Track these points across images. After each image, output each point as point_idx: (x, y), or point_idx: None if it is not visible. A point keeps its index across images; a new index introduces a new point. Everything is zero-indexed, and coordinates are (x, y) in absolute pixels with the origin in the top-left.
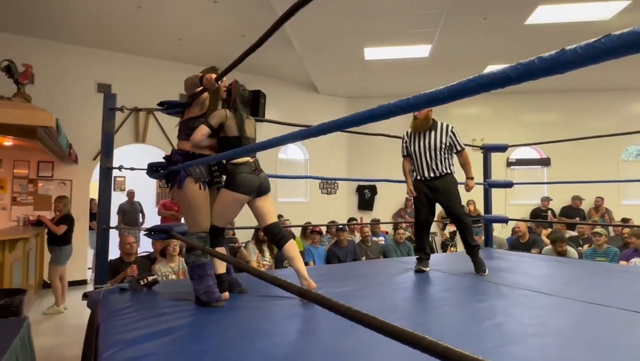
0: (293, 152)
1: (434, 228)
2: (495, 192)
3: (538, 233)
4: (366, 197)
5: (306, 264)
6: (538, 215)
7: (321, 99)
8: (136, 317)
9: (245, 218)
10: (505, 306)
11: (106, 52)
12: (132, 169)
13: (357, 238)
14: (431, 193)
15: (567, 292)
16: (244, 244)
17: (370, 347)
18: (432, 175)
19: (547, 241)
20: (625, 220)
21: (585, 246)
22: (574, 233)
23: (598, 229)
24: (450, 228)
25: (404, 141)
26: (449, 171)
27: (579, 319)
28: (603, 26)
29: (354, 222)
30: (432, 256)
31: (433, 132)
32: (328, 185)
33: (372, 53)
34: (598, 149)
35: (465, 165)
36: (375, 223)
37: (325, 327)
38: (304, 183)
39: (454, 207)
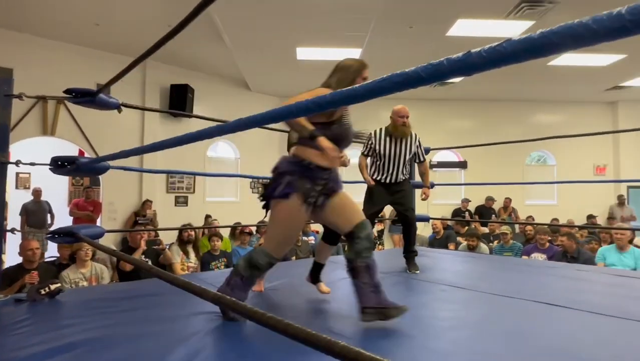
0: (223, 150)
1: None
2: (418, 192)
3: (457, 230)
4: None
5: (234, 265)
6: (458, 215)
7: (253, 97)
8: (33, 331)
9: (169, 219)
10: (427, 301)
11: (9, 32)
12: (32, 164)
13: None
14: (390, 196)
15: (479, 286)
16: (168, 246)
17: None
18: (396, 180)
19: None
20: (529, 218)
21: (495, 242)
22: (487, 230)
23: (504, 227)
24: (379, 226)
25: (371, 141)
26: (407, 177)
27: (490, 311)
28: None
29: None
30: None
31: (408, 140)
32: (259, 184)
33: (305, 53)
34: (507, 154)
35: (424, 174)
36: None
37: (242, 334)
38: (234, 182)
39: (409, 211)
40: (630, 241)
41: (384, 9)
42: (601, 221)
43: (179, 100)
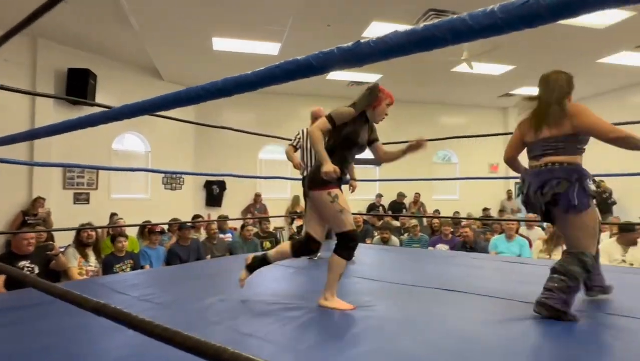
0: (131, 142)
1: (282, 222)
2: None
3: (372, 223)
4: (214, 193)
5: (142, 267)
6: (373, 209)
7: (166, 87)
8: None
9: (67, 219)
10: (340, 295)
11: None
12: None
13: (203, 235)
14: None
15: (390, 277)
16: (62, 249)
17: None
18: None
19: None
20: (435, 211)
21: (406, 235)
22: (398, 224)
23: (413, 221)
24: (298, 222)
25: (299, 137)
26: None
27: (397, 300)
28: None
29: (200, 219)
30: None
31: None
32: (172, 180)
33: (221, 44)
34: (419, 152)
35: (350, 170)
36: (263, 218)
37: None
38: (144, 178)
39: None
40: (516, 231)
41: (304, 6)
42: (494, 213)
43: (78, 86)
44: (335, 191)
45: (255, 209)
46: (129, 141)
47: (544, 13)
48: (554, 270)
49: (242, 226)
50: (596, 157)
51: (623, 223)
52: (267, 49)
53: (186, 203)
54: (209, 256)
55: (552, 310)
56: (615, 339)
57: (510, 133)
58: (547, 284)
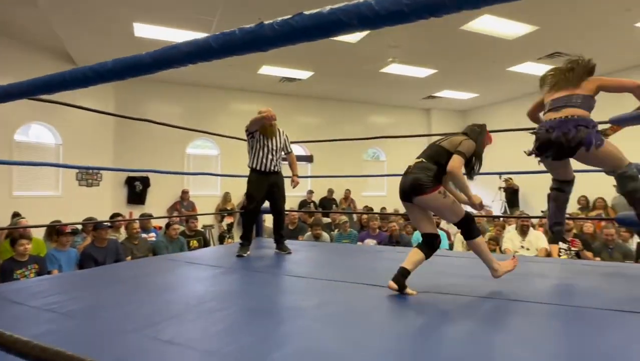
0: (38, 134)
1: (211, 220)
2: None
3: (304, 220)
4: (137, 189)
5: (49, 273)
6: (304, 205)
7: None
8: None
9: None
10: (270, 293)
11: None
12: None
13: (124, 235)
14: (268, 187)
15: (318, 273)
16: None
17: None
18: (273, 170)
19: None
20: (368, 208)
21: (336, 231)
22: (329, 220)
23: (343, 216)
24: (228, 220)
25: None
26: (280, 170)
27: (325, 297)
28: (349, 47)
29: (119, 218)
30: (205, 250)
31: (275, 137)
32: (88, 175)
33: (144, 30)
34: (348, 150)
35: (293, 164)
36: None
37: None
38: (54, 173)
39: (281, 203)
40: (437, 225)
41: None
42: None
43: None
44: (442, 188)
45: (183, 207)
46: (36, 132)
47: (448, 3)
48: (627, 196)
49: (167, 225)
50: (506, 157)
51: (520, 217)
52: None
53: (104, 201)
54: (129, 258)
55: None
56: (512, 319)
57: (434, 134)
58: (630, 202)
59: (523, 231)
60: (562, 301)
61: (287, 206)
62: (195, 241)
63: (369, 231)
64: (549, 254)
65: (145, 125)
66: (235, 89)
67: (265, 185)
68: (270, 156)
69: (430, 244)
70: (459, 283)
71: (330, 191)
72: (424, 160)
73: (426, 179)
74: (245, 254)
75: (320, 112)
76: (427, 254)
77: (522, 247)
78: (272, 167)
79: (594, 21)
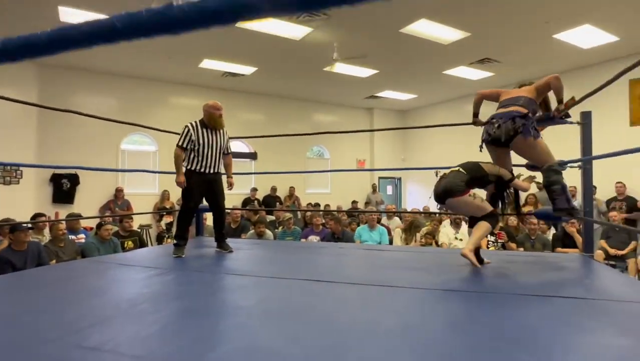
0: None
1: (149, 219)
2: None
3: (248, 218)
4: (65, 187)
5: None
6: (248, 203)
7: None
8: None
9: None
10: (212, 293)
11: None
12: None
13: (48, 237)
14: (206, 186)
15: (258, 271)
16: None
17: None
18: (213, 171)
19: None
20: (315, 205)
21: (280, 228)
22: (273, 218)
23: (287, 214)
24: (167, 219)
25: (192, 134)
26: (222, 170)
27: (266, 294)
28: (292, 44)
29: (43, 218)
30: (141, 251)
31: (219, 132)
32: (7, 172)
33: (69, 15)
34: (292, 147)
35: (229, 166)
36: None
37: None
38: None
39: (221, 200)
40: (379, 221)
41: None
42: (361, 205)
43: None
44: (471, 190)
45: (117, 206)
46: None
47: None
48: (546, 187)
49: (99, 225)
50: (442, 154)
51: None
52: None
53: (26, 200)
54: (53, 261)
55: (564, 210)
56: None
57: (376, 130)
58: (549, 196)
59: (456, 224)
60: (484, 289)
61: (229, 204)
62: (130, 242)
63: (312, 228)
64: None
65: (74, 118)
66: (176, 83)
67: (203, 183)
68: (212, 156)
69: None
70: (398, 275)
71: (274, 189)
72: (460, 169)
73: (459, 184)
74: (182, 255)
75: (264, 109)
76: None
77: (456, 238)
78: (215, 169)
79: (518, 31)
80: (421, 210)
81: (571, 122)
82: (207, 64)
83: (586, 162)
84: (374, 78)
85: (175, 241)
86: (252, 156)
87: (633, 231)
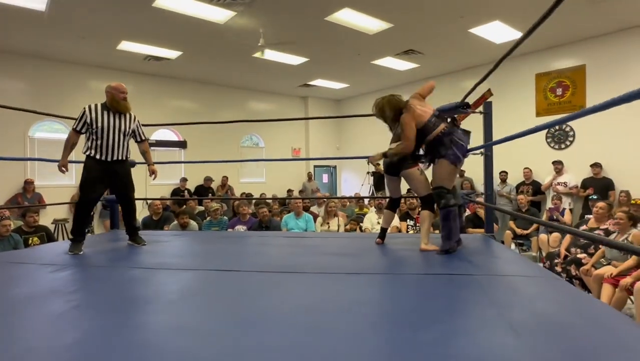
0: None
1: (65, 213)
2: (135, 172)
3: (174, 210)
4: None
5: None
6: (177, 194)
7: None
8: None
9: None
10: (102, 288)
11: None
12: None
13: None
14: (108, 175)
15: (167, 263)
16: None
17: None
18: (116, 158)
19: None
20: (247, 195)
21: (208, 218)
22: (202, 208)
23: (214, 203)
24: None
25: (87, 115)
26: (127, 157)
27: (167, 286)
28: (216, 28)
29: None
30: (44, 247)
31: (124, 117)
32: None
33: None
34: (225, 136)
35: (146, 153)
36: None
37: None
38: None
39: (130, 190)
40: (306, 209)
41: None
42: (296, 193)
43: None
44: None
45: (26, 200)
46: None
47: None
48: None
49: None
50: (376, 143)
51: (375, 197)
52: (30, 2)
53: None
54: None
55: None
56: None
57: (310, 118)
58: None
59: (379, 210)
60: (382, 270)
61: (156, 195)
62: (36, 238)
63: (239, 217)
64: (399, 230)
65: None
66: (93, 65)
67: (105, 173)
68: (114, 142)
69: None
70: (310, 261)
71: (208, 179)
72: None
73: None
74: (79, 252)
75: (195, 96)
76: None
77: (379, 223)
78: (117, 156)
79: (437, 24)
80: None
81: (473, 112)
82: (126, 45)
83: (487, 149)
84: (305, 66)
85: (71, 237)
86: (182, 144)
87: (535, 214)
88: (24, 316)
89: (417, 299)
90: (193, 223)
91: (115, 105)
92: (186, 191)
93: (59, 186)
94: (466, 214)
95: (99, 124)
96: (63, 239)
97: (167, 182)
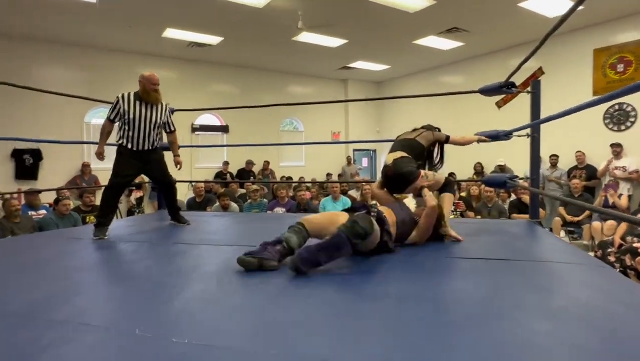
0: None
1: None
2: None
3: (216, 191)
4: (27, 163)
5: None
6: (220, 177)
7: None
8: None
9: None
10: (184, 262)
11: None
12: None
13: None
14: (142, 164)
15: (221, 240)
16: None
17: None
18: (147, 148)
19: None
20: (287, 178)
21: (249, 201)
22: (243, 191)
23: (254, 186)
24: (137, 194)
25: (120, 105)
26: (158, 146)
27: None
28: (256, 12)
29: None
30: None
31: (157, 107)
32: None
33: None
34: (265, 120)
35: (173, 143)
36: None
37: None
38: None
39: (166, 175)
40: (344, 193)
41: None
42: (335, 178)
43: None
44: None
45: (84, 182)
46: None
47: None
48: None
49: (56, 200)
50: (419, 124)
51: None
52: None
53: None
54: (8, 236)
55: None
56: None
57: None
58: None
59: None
60: (426, 254)
61: (201, 177)
62: (92, 217)
63: (278, 200)
64: None
65: (33, 91)
66: (141, 53)
67: (137, 162)
68: (145, 132)
69: None
70: None
71: (250, 163)
72: (404, 154)
73: (412, 170)
74: (104, 237)
75: (235, 81)
76: None
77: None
78: (147, 146)
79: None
80: None
81: (520, 92)
82: (171, 33)
83: (533, 130)
84: (344, 48)
85: (96, 221)
86: (224, 129)
87: (588, 200)
88: (77, 282)
89: (452, 283)
90: (234, 205)
91: (146, 96)
92: (228, 174)
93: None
94: (510, 199)
95: (131, 115)
96: (119, 218)
97: (210, 165)
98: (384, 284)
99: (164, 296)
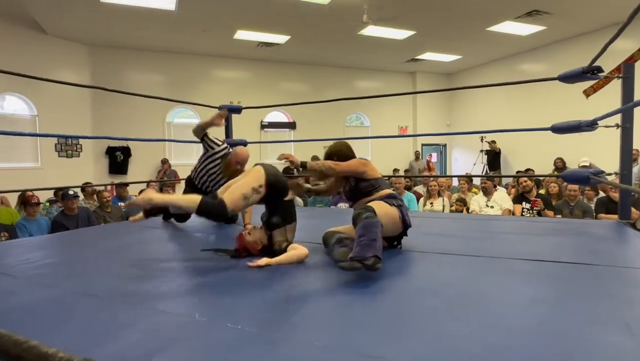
0: (13, 105)
1: None
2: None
3: None
4: (119, 159)
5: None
6: (287, 171)
7: (53, 44)
8: None
9: None
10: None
11: None
12: None
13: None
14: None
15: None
16: None
17: None
18: (205, 188)
19: None
20: None
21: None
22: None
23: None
24: None
25: (216, 148)
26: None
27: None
28: (321, 9)
29: (89, 186)
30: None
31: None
32: (68, 146)
33: None
34: (331, 116)
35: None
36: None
37: None
38: (31, 144)
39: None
40: (408, 188)
41: None
42: (402, 173)
43: None
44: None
45: (165, 176)
46: (11, 103)
47: None
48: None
49: (140, 193)
50: (489, 119)
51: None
52: (163, 3)
53: (85, 171)
54: (102, 225)
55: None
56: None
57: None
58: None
59: (486, 192)
60: (492, 254)
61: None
62: None
63: (342, 195)
64: (512, 213)
65: (123, 94)
66: (214, 56)
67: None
68: (204, 181)
69: None
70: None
71: (315, 158)
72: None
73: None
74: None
75: (302, 78)
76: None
77: (487, 205)
78: (210, 188)
79: None
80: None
81: (608, 77)
82: (242, 35)
83: (625, 120)
84: (412, 40)
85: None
86: (292, 125)
87: None
88: (150, 268)
89: (517, 286)
90: (298, 200)
91: (224, 169)
92: (295, 170)
93: (190, 165)
94: (599, 196)
95: (203, 167)
96: None
97: (278, 161)
98: (437, 284)
99: (225, 288)
